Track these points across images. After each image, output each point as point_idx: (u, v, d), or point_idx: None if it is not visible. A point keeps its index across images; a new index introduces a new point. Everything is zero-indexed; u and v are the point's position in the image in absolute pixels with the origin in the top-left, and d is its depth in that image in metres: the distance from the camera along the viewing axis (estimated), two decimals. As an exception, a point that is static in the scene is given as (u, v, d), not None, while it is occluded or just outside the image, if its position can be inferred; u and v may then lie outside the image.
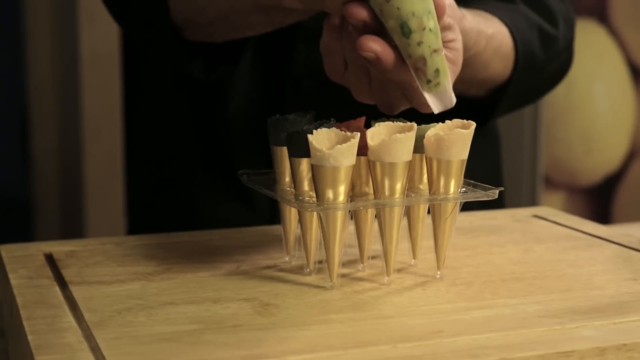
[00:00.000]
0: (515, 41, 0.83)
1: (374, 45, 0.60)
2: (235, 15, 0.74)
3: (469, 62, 0.75)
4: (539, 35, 0.86)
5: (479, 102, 0.87)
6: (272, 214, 0.87)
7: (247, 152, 0.88)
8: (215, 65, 0.83)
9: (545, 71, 0.89)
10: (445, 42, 0.64)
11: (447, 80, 0.61)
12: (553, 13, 0.88)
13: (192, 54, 0.82)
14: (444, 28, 0.64)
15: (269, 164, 0.69)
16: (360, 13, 0.60)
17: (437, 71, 0.60)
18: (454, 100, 0.62)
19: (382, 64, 0.60)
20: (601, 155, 2.08)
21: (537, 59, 0.86)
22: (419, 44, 0.60)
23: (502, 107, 0.86)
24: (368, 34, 0.61)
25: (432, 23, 0.60)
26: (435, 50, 0.60)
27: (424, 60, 0.60)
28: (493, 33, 0.79)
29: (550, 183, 2.05)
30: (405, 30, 0.60)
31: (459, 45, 0.66)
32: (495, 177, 0.98)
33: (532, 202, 1.99)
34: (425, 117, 0.66)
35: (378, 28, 0.61)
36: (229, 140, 0.88)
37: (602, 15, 2.04)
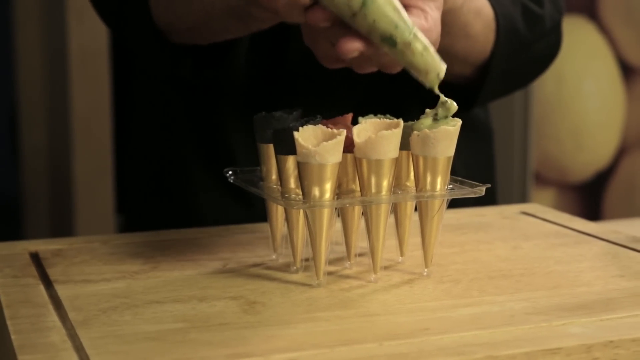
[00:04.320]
0: (496, 14, 0.82)
1: (353, 44, 0.60)
2: (213, 21, 0.75)
3: (446, 20, 0.75)
4: (522, 13, 0.85)
5: (466, 88, 0.86)
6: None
7: (243, 149, 0.87)
8: (202, 67, 0.83)
9: (531, 51, 0.88)
10: None
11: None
12: None
13: (178, 56, 0.82)
14: None
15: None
16: (319, 18, 0.60)
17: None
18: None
19: (367, 56, 0.61)
20: (591, 152, 2.08)
21: (521, 35, 0.85)
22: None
23: (488, 87, 0.85)
24: (339, 27, 0.61)
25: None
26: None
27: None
28: None
29: (541, 180, 2.05)
30: (389, 42, 0.60)
31: None
32: (487, 173, 0.97)
33: (522, 199, 1.99)
34: (414, 113, 0.66)
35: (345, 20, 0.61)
36: (225, 138, 0.88)
37: (592, 12, 2.05)
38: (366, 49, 0.61)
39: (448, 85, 0.85)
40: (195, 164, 0.90)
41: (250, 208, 0.87)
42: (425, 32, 0.63)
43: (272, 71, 0.87)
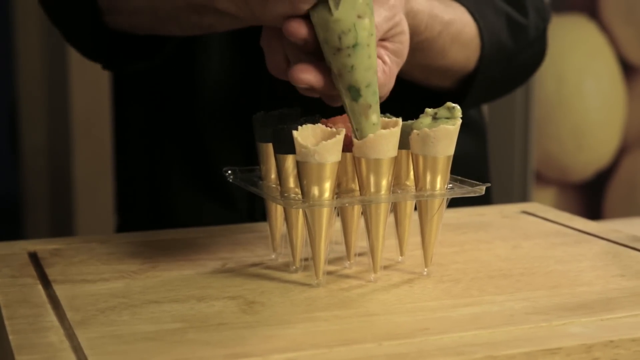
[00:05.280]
0: (480, 29, 0.81)
1: (306, 77, 0.59)
2: (165, 8, 0.71)
3: (422, 46, 0.74)
4: (507, 24, 0.84)
5: (451, 93, 0.85)
6: (251, 214, 0.87)
7: (225, 151, 0.87)
8: (130, 59, 0.81)
9: (516, 61, 0.87)
10: (391, 37, 0.63)
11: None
12: (522, 2, 0.87)
13: (109, 41, 0.80)
14: (393, 25, 0.63)
15: (246, 164, 0.68)
16: (301, 31, 0.58)
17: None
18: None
19: (316, 91, 0.60)
20: (592, 151, 2.08)
21: (505, 47, 0.84)
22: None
23: (471, 97, 0.84)
24: (306, 52, 0.60)
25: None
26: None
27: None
28: (451, 19, 0.77)
29: (542, 179, 2.05)
30: (353, 94, 0.60)
31: (405, 38, 0.64)
32: (482, 172, 0.97)
33: (523, 198, 1.99)
34: (413, 112, 0.66)
35: (316, 46, 0.59)
36: (206, 140, 0.88)
37: (592, 11, 2.04)
38: (318, 87, 0.60)
39: (428, 92, 0.85)
40: (177, 167, 0.90)
41: (234, 210, 0.87)
42: (379, 85, 0.61)
43: (249, 74, 0.86)
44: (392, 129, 0.59)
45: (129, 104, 0.96)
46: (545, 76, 1.99)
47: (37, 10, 1.88)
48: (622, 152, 2.11)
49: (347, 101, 0.60)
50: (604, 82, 2.08)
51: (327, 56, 0.59)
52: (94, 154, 1.86)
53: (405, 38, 0.64)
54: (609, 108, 2.09)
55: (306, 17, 0.59)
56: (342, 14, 0.58)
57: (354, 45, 0.58)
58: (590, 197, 2.10)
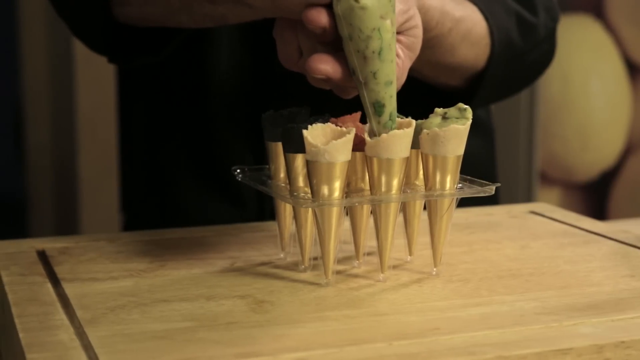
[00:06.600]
0: (490, 27, 0.81)
1: (324, 67, 0.59)
2: None
3: (432, 43, 0.74)
4: (517, 23, 0.84)
5: (459, 91, 0.85)
6: (260, 213, 0.86)
7: (234, 150, 0.87)
8: (137, 53, 0.81)
9: (525, 60, 0.87)
10: (405, 30, 0.63)
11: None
12: (532, 1, 0.87)
13: (117, 34, 0.79)
14: (407, 19, 0.63)
15: (256, 163, 0.67)
16: (321, 19, 0.58)
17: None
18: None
19: (333, 82, 0.60)
20: (597, 151, 2.08)
21: (515, 46, 0.84)
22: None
23: (480, 96, 0.84)
24: (321, 43, 0.59)
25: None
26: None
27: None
28: (462, 16, 0.77)
29: (546, 179, 2.04)
30: (378, 110, 0.60)
31: (418, 32, 0.64)
32: (489, 172, 0.97)
33: (528, 198, 1.99)
34: (421, 112, 0.65)
35: (335, 37, 0.59)
36: (215, 138, 0.88)
37: (598, 11, 2.04)
38: (335, 78, 0.59)
39: (441, 91, 0.84)
40: (186, 166, 0.90)
41: (243, 209, 0.87)
42: None
43: (258, 72, 0.86)
44: (405, 129, 0.59)
45: (135, 102, 0.96)
46: (551, 76, 1.99)
47: (42, 8, 1.88)
48: (627, 152, 2.11)
49: (372, 117, 0.60)
50: (609, 82, 2.07)
51: (348, 54, 0.59)
52: (99, 152, 1.86)
53: (419, 32, 0.64)
54: (614, 108, 2.09)
55: (326, 7, 0.58)
56: (368, 2, 0.57)
57: (380, 52, 0.58)
58: (595, 197, 2.10)
